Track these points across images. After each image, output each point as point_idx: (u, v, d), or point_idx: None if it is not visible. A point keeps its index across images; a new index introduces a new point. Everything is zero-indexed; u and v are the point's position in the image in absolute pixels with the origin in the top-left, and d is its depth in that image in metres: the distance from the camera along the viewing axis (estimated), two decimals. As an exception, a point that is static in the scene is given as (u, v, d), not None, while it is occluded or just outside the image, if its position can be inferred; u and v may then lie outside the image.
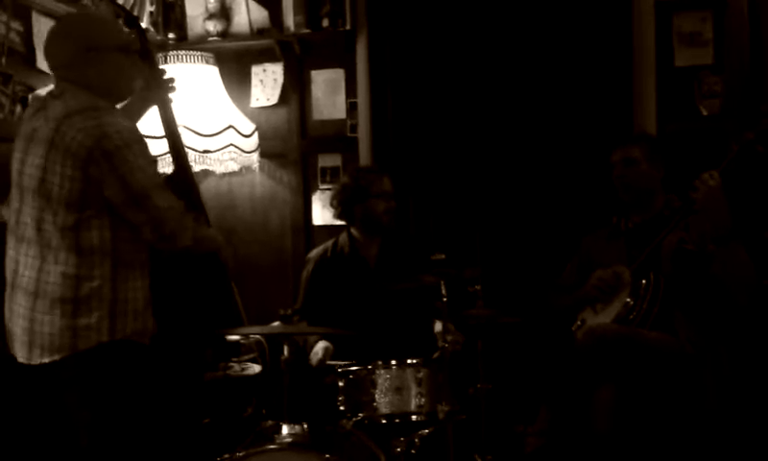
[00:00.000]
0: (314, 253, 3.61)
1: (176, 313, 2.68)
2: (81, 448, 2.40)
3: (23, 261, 2.39)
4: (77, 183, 2.31)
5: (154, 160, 2.52)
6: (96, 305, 2.35)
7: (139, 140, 2.41)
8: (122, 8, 3.07)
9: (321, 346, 3.29)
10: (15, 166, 2.44)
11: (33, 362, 2.36)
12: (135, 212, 2.38)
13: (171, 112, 2.89)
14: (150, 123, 3.09)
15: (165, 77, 2.88)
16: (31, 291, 2.36)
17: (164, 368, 2.70)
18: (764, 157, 2.88)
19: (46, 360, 2.34)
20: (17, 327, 2.39)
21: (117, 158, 2.32)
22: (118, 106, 2.62)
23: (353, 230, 3.54)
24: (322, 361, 3.24)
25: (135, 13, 3.90)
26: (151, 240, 2.44)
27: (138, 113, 2.87)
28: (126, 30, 2.84)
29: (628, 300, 2.97)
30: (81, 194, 2.32)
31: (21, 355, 2.39)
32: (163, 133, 2.92)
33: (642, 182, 3.13)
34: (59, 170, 2.32)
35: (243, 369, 3.23)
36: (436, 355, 2.77)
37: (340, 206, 3.52)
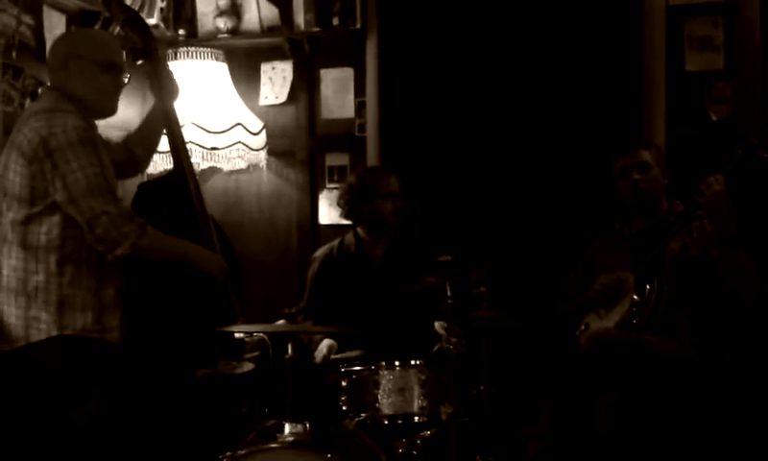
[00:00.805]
0: (320, 252, 3.61)
1: (155, 313, 2.73)
2: (48, 439, 2.47)
3: None
4: (25, 180, 2.42)
5: (99, 163, 2.50)
6: (43, 300, 2.45)
7: (85, 141, 2.45)
8: (127, 8, 3.09)
9: (325, 344, 3.30)
10: None
11: (3, 349, 2.49)
12: (74, 213, 2.44)
13: (173, 111, 2.92)
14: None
15: (170, 75, 2.92)
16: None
17: (146, 366, 2.74)
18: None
19: (6, 348, 2.47)
20: None
21: (59, 158, 2.40)
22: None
23: (360, 230, 3.54)
24: (326, 359, 3.24)
25: (146, 9, 3.92)
26: (90, 243, 2.47)
27: (160, 117, 2.93)
28: (128, 32, 2.91)
29: (631, 305, 2.96)
30: (29, 190, 2.43)
31: None
32: (164, 131, 2.94)
33: (655, 187, 3.11)
34: (12, 167, 2.45)
35: (233, 367, 3.23)
36: (434, 350, 2.77)
37: (347, 206, 3.51)
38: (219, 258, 2.82)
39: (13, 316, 2.46)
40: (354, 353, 3.21)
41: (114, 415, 2.52)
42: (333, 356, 3.25)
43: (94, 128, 2.66)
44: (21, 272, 2.45)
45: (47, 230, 2.45)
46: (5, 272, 2.48)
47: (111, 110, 2.71)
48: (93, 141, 2.51)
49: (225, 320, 2.81)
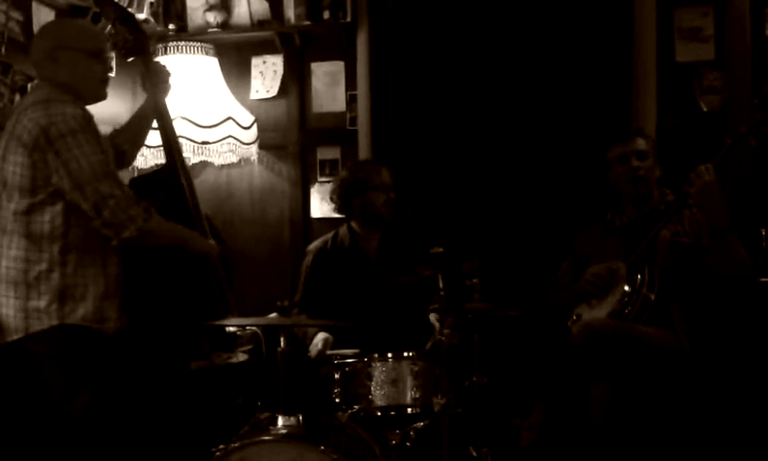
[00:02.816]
0: (313, 245, 3.61)
1: (151, 304, 2.72)
2: (45, 430, 2.47)
3: None
4: (26, 170, 2.43)
5: (101, 150, 2.52)
6: (45, 289, 2.45)
7: (85, 128, 2.47)
8: (116, 4, 3.09)
9: (320, 337, 3.29)
10: None
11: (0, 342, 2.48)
12: (80, 199, 2.44)
13: (165, 105, 2.92)
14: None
15: (161, 70, 2.92)
16: None
17: (141, 357, 2.74)
18: (758, 151, 2.87)
19: (8, 340, 2.46)
20: None
21: (61, 146, 2.41)
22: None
23: (353, 224, 3.55)
24: (321, 353, 3.24)
25: (135, 4, 3.90)
26: (96, 228, 2.48)
27: (150, 112, 2.95)
28: (118, 28, 2.92)
29: (623, 295, 2.96)
30: (31, 180, 2.43)
31: None
32: (156, 125, 2.93)
33: (651, 176, 3.11)
34: (11, 158, 2.45)
35: (228, 357, 3.24)
36: (428, 346, 2.77)
37: (339, 200, 3.52)
38: (216, 246, 2.84)
39: (12, 307, 2.45)
40: (350, 352, 3.21)
41: (109, 405, 2.52)
42: (328, 352, 3.25)
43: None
44: (22, 262, 2.44)
45: (50, 218, 2.45)
46: (4, 263, 2.47)
47: (102, 97, 2.72)
48: (93, 128, 2.51)
49: (219, 313, 2.80)
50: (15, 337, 2.46)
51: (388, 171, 3.51)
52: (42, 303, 2.44)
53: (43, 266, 2.45)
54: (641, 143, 3.11)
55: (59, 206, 2.46)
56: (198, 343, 2.96)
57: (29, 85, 3.47)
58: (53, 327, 2.44)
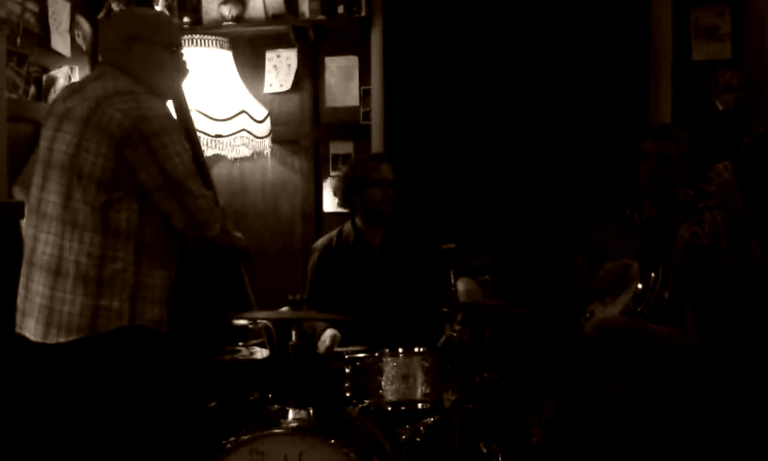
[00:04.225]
0: (319, 242, 3.63)
1: (187, 300, 2.68)
2: (98, 429, 2.41)
3: (43, 239, 2.38)
4: (110, 163, 2.32)
5: (188, 148, 2.48)
6: (119, 288, 2.34)
7: (176, 127, 2.42)
8: None
9: (328, 334, 3.30)
10: (44, 144, 2.44)
11: (48, 341, 2.34)
12: (168, 199, 2.39)
13: (183, 96, 2.90)
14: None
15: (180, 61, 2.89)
16: (52, 269, 2.35)
17: (174, 353, 2.70)
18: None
19: (62, 340, 2.32)
20: (33, 304, 2.38)
21: (155, 143, 2.33)
22: None
23: (357, 219, 3.56)
24: (329, 349, 3.24)
25: (150, -3, 3.91)
26: (182, 228, 2.44)
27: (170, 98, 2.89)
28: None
29: (636, 293, 2.95)
30: (113, 174, 2.33)
31: (36, 334, 2.36)
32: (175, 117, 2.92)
33: (671, 181, 3.09)
34: (93, 148, 2.32)
35: (251, 353, 3.24)
36: (441, 342, 2.77)
37: (341, 196, 3.54)
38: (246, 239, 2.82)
39: (78, 305, 2.31)
40: (357, 348, 3.21)
41: (161, 406, 2.46)
42: (336, 349, 3.25)
43: None
44: (97, 259, 2.32)
45: (126, 216, 2.36)
46: (72, 258, 2.33)
47: (172, 91, 2.64)
48: (179, 126, 2.47)
49: (241, 307, 2.81)
50: (77, 336, 2.31)
51: (388, 166, 3.50)
52: (115, 303, 2.33)
53: (119, 265, 2.34)
54: (669, 146, 3.08)
55: (135, 205, 2.37)
56: (209, 336, 2.97)
57: (44, 77, 3.49)
58: (122, 328, 2.34)
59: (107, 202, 2.33)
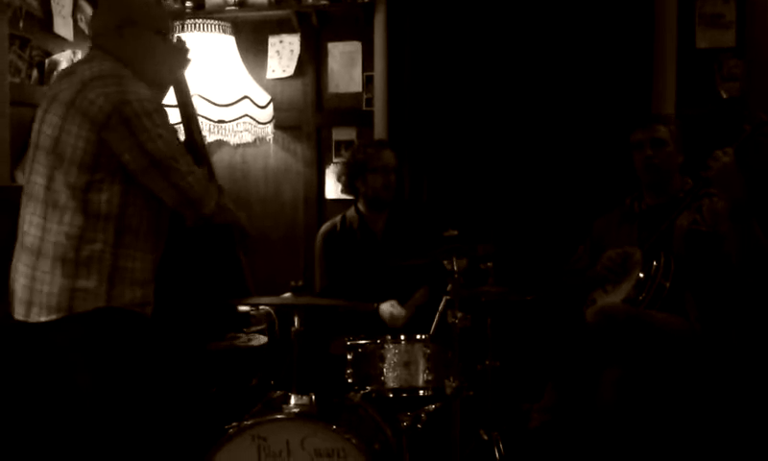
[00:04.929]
0: (323, 228, 3.66)
1: (181, 284, 2.69)
2: (80, 410, 2.42)
3: (29, 220, 2.41)
4: (90, 146, 2.33)
5: (174, 130, 2.48)
6: (96, 269, 2.36)
7: (159, 109, 2.41)
8: None
9: (387, 306, 3.33)
10: (35, 126, 2.47)
11: (30, 320, 2.38)
12: (156, 179, 2.39)
13: (185, 82, 2.89)
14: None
15: (181, 46, 2.88)
16: (34, 249, 2.38)
17: (167, 338, 2.71)
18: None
19: (43, 319, 2.36)
20: (18, 284, 2.42)
21: (136, 126, 2.33)
22: None
23: (360, 205, 3.58)
24: (394, 319, 3.28)
25: (153, -19, 3.88)
26: (175, 206, 2.44)
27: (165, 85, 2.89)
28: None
29: (638, 280, 2.96)
30: (93, 157, 2.34)
31: (19, 313, 2.40)
32: (176, 103, 2.91)
33: (667, 165, 3.10)
34: (74, 131, 2.34)
35: (249, 339, 3.24)
36: (434, 326, 2.78)
37: (345, 181, 3.56)
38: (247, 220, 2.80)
39: (57, 285, 2.34)
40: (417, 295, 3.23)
41: (145, 388, 2.47)
42: (401, 312, 3.29)
43: None
44: (75, 239, 2.35)
45: (108, 198, 2.37)
46: (51, 239, 2.36)
47: (164, 77, 2.64)
48: (164, 109, 2.46)
49: (239, 294, 2.81)
50: (55, 316, 2.34)
51: (390, 153, 3.51)
52: (91, 284, 2.35)
53: (97, 246, 2.36)
54: (661, 130, 3.09)
55: (117, 187, 2.37)
56: (207, 322, 2.96)
57: (46, 61, 3.48)
58: (99, 309, 2.36)
59: (88, 183, 2.35)
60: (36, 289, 2.37)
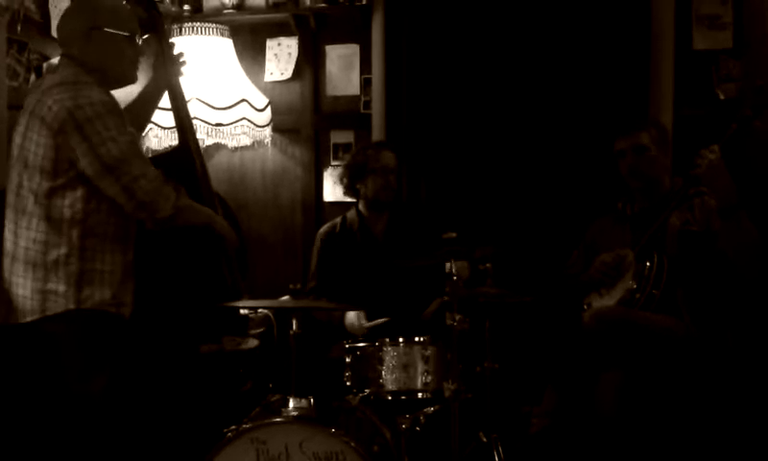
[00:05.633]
0: (322, 229, 3.66)
1: (158, 286, 2.70)
2: (60, 412, 2.47)
3: (6, 225, 2.50)
4: (49, 151, 2.39)
5: (129, 132, 2.52)
6: (63, 273, 2.42)
7: (113, 112, 2.44)
8: None
9: (353, 313, 3.31)
10: (13, 134, 2.54)
11: (10, 322, 2.46)
12: (109, 183, 2.42)
13: (179, 86, 2.91)
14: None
15: (175, 51, 2.90)
16: (9, 254, 2.48)
17: (152, 341, 2.74)
18: (764, 133, 2.86)
19: (21, 321, 2.44)
20: (1, 289, 2.50)
21: (89, 130, 2.37)
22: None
23: (361, 207, 3.58)
24: (356, 327, 3.25)
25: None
26: (130, 211, 2.47)
27: (157, 94, 2.93)
28: (132, 4, 2.86)
29: (632, 282, 2.96)
30: (52, 163, 2.40)
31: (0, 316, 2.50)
32: (170, 107, 2.92)
33: (653, 169, 3.10)
34: (35, 138, 2.41)
35: (238, 343, 3.24)
36: (428, 311, 2.77)
37: (346, 184, 3.56)
38: (232, 231, 2.82)
39: (29, 289, 2.42)
40: (381, 321, 3.22)
41: (124, 388, 2.51)
42: (365, 324, 3.26)
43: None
44: (41, 245, 2.42)
45: (70, 203, 2.42)
46: (22, 244, 2.44)
47: (132, 80, 2.69)
48: (119, 111, 2.49)
49: (229, 297, 2.81)
50: (30, 319, 2.43)
51: (390, 154, 3.52)
52: (60, 287, 2.42)
53: (62, 250, 2.42)
54: (642, 137, 3.10)
55: (79, 191, 2.43)
56: (211, 325, 2.96)
57: (44, 65, 3.48)
58: (69, 311, 2.42)
59: (50, 189, 2.41)
60: (14, 292, 2.45)
